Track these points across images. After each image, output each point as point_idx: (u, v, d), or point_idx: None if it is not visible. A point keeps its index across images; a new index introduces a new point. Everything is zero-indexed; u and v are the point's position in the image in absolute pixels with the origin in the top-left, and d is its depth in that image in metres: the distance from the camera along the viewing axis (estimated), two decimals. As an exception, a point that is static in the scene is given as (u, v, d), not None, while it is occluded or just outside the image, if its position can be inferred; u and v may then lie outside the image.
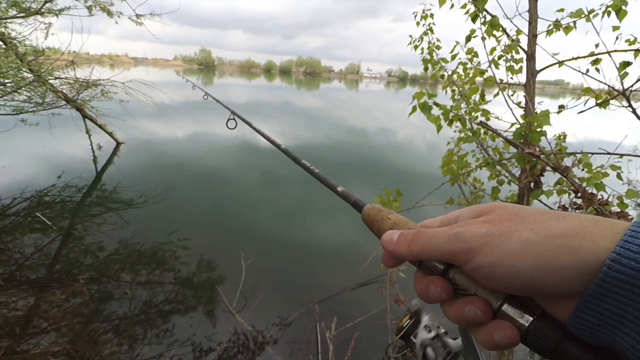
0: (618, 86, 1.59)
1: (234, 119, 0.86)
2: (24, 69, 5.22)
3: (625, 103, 1.55)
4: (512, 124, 1.72)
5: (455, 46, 2.02)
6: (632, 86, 1.52)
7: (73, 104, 6.64)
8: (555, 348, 0.27)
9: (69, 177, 5.94)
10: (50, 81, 6.10)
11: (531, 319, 0.28)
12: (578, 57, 1.80)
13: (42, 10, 5.71)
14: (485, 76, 1.95)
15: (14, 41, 5.33)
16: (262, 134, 0.74)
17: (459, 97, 1.89)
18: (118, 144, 7.91)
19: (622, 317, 0.24)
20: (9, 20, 5.42)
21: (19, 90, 5.75)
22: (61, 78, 6.42)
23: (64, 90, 6.47)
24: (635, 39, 1.70)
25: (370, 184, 6.54)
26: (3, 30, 5.35)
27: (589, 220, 0.27)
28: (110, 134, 7.65)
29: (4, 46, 5.19)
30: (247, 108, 18.98)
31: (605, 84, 1.61)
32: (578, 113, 1.78)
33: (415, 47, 2.20)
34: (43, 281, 3.33)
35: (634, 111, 1.55)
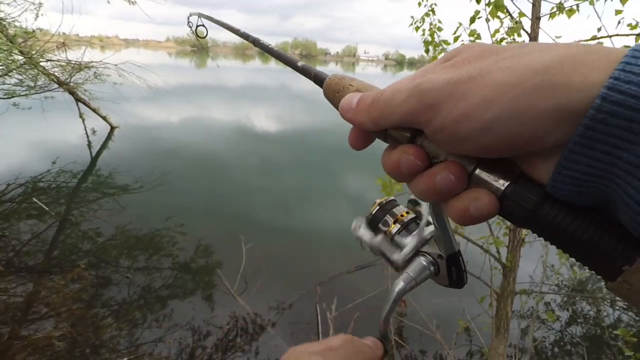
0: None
1: (202, 25, 0.73)
2: (14, 51, 5.07)
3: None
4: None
5: (458, 28, 1.98)
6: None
7: (66, 87, 6.51)
8: (533, 213, 0.23)
9: (64, 162, 5.87)
10: (41, 63, 5.96)
11: (507, 182, 0.24)
12: (580, 41, 1.78)
13: (32, -11, 5.52)
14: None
15: (4, 22, 5.16)
16: (230, 28, 0.63)
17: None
18: (112, 128, 7.80)
19: (616, 163, 0.19)
20: (-3, 1, 5.24)
21: (9, 73, 5.62)
22: (53, 60, 6.28)
23: (55, 73, 6.33)
24: (637, 23, 1.68)
25: (370, 168, 6.54)
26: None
27: (580, 49, 0.20)
28: (104, 118, 7.53)
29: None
30: (244, 93, 18.75)
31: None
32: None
33: (417, 28, 2.16)
34: (42, 267, 3.34)
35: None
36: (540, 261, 2.62)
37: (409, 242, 0.37)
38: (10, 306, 2.83)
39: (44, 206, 4.35)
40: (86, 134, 7.26)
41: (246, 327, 2.82)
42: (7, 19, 5.31)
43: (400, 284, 0.36)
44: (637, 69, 0.18)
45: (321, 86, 0.37)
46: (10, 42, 4.98)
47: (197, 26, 0.77)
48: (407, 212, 0.39)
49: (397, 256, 0.37)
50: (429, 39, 2.20)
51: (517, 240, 1.96)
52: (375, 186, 2.10)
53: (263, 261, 3.59)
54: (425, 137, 0.27)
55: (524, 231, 2.09)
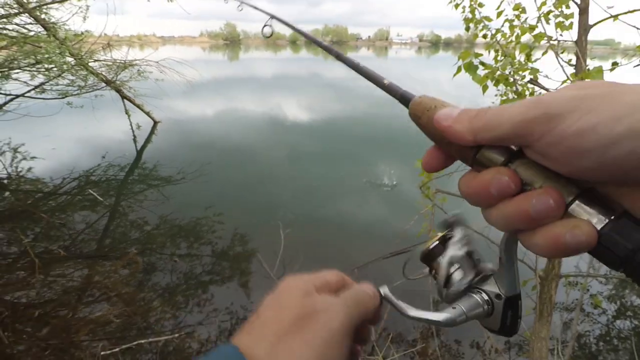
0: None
1: (269, 25, 0.77)
2: (66, 54, 5.43)
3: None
4: (563, 82, 1.60)
5: (501, 2, 1.87)
6: None
7: (112, 86, 6.90)
8: (633, 255, 0.22)
9: (112, 156, 6.27)
10: (90, 64, 6.33)
11: (610, 217, 0.23)
12: (634, 10, 1.62)
13: (78, -8, 5.84)
14: (534, 33, 1.81)
15: (55, 26, 5.52)
16: (303, 33, 0.64)
17: (503, 57, 1.77)
18: (155, 122, 8.19)
19: None
20: (48, 6, 5.60)
21: (62, 75, 6.02)
22: (100, 60, 6.65)
23: (103, 73, 6.71)
24: None
25: (401, 154, 6.41)
26: (44, 16, 5.56)
27: None
28: (147, 114, 7.91)
29: (45, 32, 5.40)
30: (275, 83, 18.92)
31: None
32: (635, 67, 1.63)
33: (456, 5, 2.06)
34: (96, 253, 3.61)
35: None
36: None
37: (464, 278, 0.35)
38: (69, 289, 3.10)
39: (98, 197, 4.68)
40: (132, 129, 7.68)
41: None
42: (57, 22, 5.67)
43: (447, 315, 0.34)
44: None
45: (406, 106, 0.36)
46: (62, 44, 5.32)
47: (264, 26, 0.81)
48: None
49: (448, 292, 0.35)
50: (470, 16, 2.09)
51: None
52: (404, 175, 2.06)
53: (300, 247, 3.67)
54: (520, 163, 0.26)
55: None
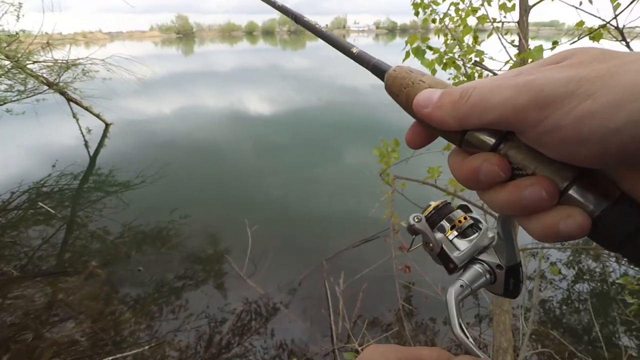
0: (612, 23, 1.53)
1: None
2: (1, 57, 4.98)
3: (619, 39, 1.51)
4: (506, 62, 1.67)
5: (447, -16, 1.92)
6: (621, 13, 1.46)
7: (55, 88, 6.43)
8: (633, 237, 0.22)
9: (64, 164, 5.88)
10: (28, 66, 5.86)
11: (607, 203, 0.23)
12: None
13: (10, -10, 5.36)
14: (477, 15, 1.87)
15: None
16: None
17: (452, 40, 1.82)
18: (107, 125, 7.76)
19: None
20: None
21: (-2, 80, 5.55)
22: (39, 62, 6.17)
23: (44, 75, 6.24)
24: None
25: (367, 141, 6.50)
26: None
27: None
28: (97, 116, 7.47)
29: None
30: (234, 76, 18.42)
31: (599, 17, 1.55)
32: (571, 44, 1.72)
33: (404, -10, 2.08)
34: (56, 269, 3.41)
35: (627, 45, 1.51)
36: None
37: (468, 248, 0.35)
38: (30, 310, 2.91)
39: (50, 210, 4.39)
40: (82, 133, 7.23)
41: (259, 309, 2.90)
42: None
43: (453, 292, 0.35)
44: None
45: (381, 78, 0.34)
46: (-5, 47, 4.88)
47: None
48: (465, 218, 0.37)
49: (455, 259, 0.36)
50: (418, 0, 2.12)
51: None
52: (371, 162, 2.09)
53: (268, 242, 3.65)
54: (511, 146, 0.25)
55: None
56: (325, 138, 7.35)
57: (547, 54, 1.57)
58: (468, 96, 0.25)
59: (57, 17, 6.14)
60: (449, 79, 2.08)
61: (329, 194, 4.89)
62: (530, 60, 1.57)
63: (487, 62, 1.74)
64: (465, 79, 1.85)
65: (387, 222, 2.19)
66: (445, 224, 0.37)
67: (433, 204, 0.38)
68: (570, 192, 0.24)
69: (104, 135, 7.52)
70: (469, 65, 1.83)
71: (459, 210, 0.38)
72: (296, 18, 0.47)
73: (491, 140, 0.26)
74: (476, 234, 0.36)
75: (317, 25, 0.43)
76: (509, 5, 1.90)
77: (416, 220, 0.37)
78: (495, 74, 1.70)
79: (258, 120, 9.04)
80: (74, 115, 7.14)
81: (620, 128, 0.19)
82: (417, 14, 2.17)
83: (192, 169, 5.89)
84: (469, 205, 0.38)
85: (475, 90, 0.25)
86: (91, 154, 6.72)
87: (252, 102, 10.95)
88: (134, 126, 8.44)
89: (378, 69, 0.34)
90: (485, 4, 1.87)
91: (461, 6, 1.95)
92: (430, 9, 2.11)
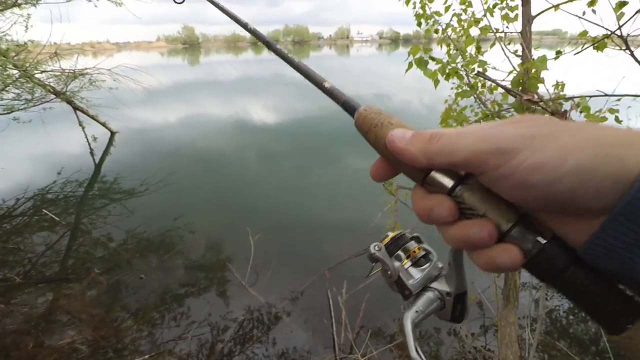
0: (616, 33, 1.53)
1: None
2: (9, 66, 5.06)
3: (623, 48, 1.51)
4: (510, 72, 1.67)
5: (448, -4, 1.94)
6: (626, 23, 1.46)
7: (63, 97, 6.53)
8: (562, 273, 0.26)
9: (69, 172, 5.93)
10: (36, 75, 5.96)
11: (542, 242, 0.27)
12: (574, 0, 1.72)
13: (19, 1, 5.48)
14: (480, 25, 1.88)
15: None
16: (220, 7, 0.60)
17: (455, 51, 1.83)
18: (112, 133, 7.84)
19: None
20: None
21: (6, 89, 5.64)
22: (47, 71, 6.28)
23: (51, 84, 6.34)
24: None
25: (370, 150, 6.50)
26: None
27: (635, 134, 0.24)
28: (103, 124, 7.56)
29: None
30: (239, 85, 18.61)
31: (602, 27, 1.56)
32: (575, 54, 1.73)
33: (407, 1, 2.10)
34: (59, 276, 3.41)
35: (632, 54, 1.51)
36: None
37: (421, 276, 0.39)
38: (32, 317, 2.91)
39: (54, 217, 4.42)
40: (87, 141, 7.30)
41: (261, 317, 2.87)
42: (-4, 34, 5.30)
43: (409, 317, 0.38)
44: None
45: (351, 114, 0.37)
46: (4, 56, 4.96)
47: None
48: (419, 249, 0.41)
49: (411, 286, 0.39)
50: (420, 11, 2.15)
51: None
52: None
53: (271, 251, 3.63)
54: (467, 189, 0.29)
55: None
56: (327, 146, 7.37)
57: (550, 64, 1.58)
58: (438, 138, 0.29)
59: (66, 28, 6.27)
60: (452, 88, 2.09)
61: (331, 203, 4.88)
62: (533, 70, 1.58)
63: (490, 72, 1.74)
64: (469, 89, 1.86)
65: (390, 232, 2.18)
66: (401, 253, 0.40)
67: (391, 234, 0.42)
68: (512, 232, 0.27)
69: (110, 144, 7.59)
70: (471, 75, 1.84)
71: (412, 242, 0.41)
72: (269, 45, 0.50)
73: (450, 183, 0.29)
74: (428, 264, 0.40)
75: (289, 55, 0.46)
76: (512, 15, 1.92)
77: (377, 249, 0.40)
78: (498, 84, 1.71)
79: (261, 129, 9.10)
80: (80, 124, 7.22)
81: (560, 179, 0.24)
82: (419, 24, 2.20)
83: (196, 177, 5.91)
84: (420, 237, 0.42)
85: (444, 135, 0.28)
86: (96, 161, 6.77)
87: (255, 111, 11.04)
88: (139, 135, 8.51)
89: (348, 106, 0.38)
90: (488, 14, 1.89)
91: (463, 17, 1.96)
92: (433, 19, 2.13)
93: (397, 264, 0.40)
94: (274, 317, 2.88)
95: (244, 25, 0.58)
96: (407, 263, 0.40)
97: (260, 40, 0.54)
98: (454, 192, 0.29)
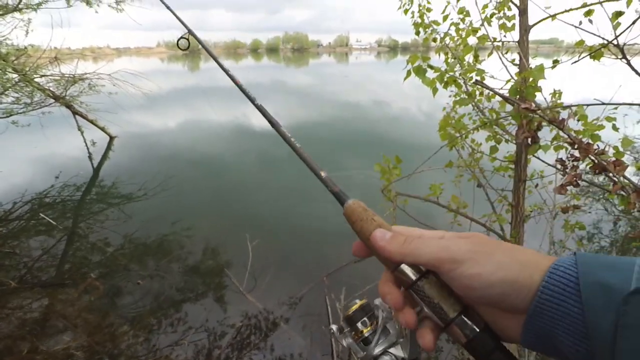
0: (613, 42, 1.56)
1: (186, 38, 0.79)
2: (8, 70, 5.08)
3: (620, 57, 1.53)
4: (507, 81, 1.69)
5: (446, 6, 1.96)
6: (622, 33, 1.49)
7: (62, 101, 6.54)
8: (488, 355, 0.35)
9: (67, 176, 5.92)
10: (36, 79, 5.98)
11: (477, 330, 0.35)
12: (571, 9, 1.75)
13: (20, 6, 5.51)
14: (478, 35, 1.91)
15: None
16: (225, 71, 0.69)
17: (453, 59, 1.86)
18: (111, 138, 7.84)
19: (556, 327, 0.32)
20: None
21: (5, 92, 5.64)
22: (47, 75, 6.29)
23: (51, 88, 6.35)
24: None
25: (368, 157, 6.52)
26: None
27: (540, 256, 0.35)
28: (102, 129, 7.56)
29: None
30: (239, 92, 18.64)
31: (599, 36, 1.58)
32: (572, 63, 1.75)
33: (406, 11, 2.13)
34: (55, 281, 3.38)
35: (628, 63, 1.53)
36: (547, 236, 2.62)
37: (382, 342, 0.46)
38: (27, 321, 2.88)
39: (51, 221, 4.40)
40: (86, 146, 7.30)
41: (259, 324, 2.86)
42: (-4, 38, 5.32)
43: None
44: (554, 281, 0.32)
45: (340, 203, 0.46)
46: (4, 60, 4.98)
47: (180, 38, 0.85)
48: (382, 318, 0.48)
49: (369, 352, 0.46)
50: (419, 20, 2.17)
51: (520, 216, 1.96)
52: (373, 175, 2.10)
53: (269, 257, 3.62)
54: (427, 282, 0.38)
55: (527, 207, 2.09)
56: (327, 152, 7.38)
57: (547, 72, 1.60)
58: (410, 242, 0.39)
59: (66, 33, 6.30)
60: (450, 96, 2.11)
61: (330, 209, 4.87)
62: (531, 79, 1.60)
63: (488, 81, 1.76)
64: (467, 97, 1.88)
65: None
66: (366, 320, 0.48)
67: (358, 303, 0.50)
68: (457, 320, 0.36)
69: (108, 148, 7.59)
70: (469, 84, 1.86)
71: (374, 311, 0.49)
72: (272, 124, 0.61)
73: (414, 276, 0.38)
74: (388, 332, 0.47)
75: (292, 139, 0.55)
76: (509, 25, 1.94)
77: (335, 329, 0.50)
78: (496, 93, 1.72)
79: (261, 134, 9.11)
80: (79, 128, 7.23)
81: (493, 285, 0.34)
82: (417, 33, 2.22)
83: (194, 182, 5.90)
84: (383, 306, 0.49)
85: (415, 240, 0.39)
86: (95, 166, 6.76)
87: (255, 117, 11.05)
88: (138, 139, 8.52)
89: (339, 197, 0.47)
90: (486, 24, 1.91)
91: (461, 26, 1.99)
92: (431, 28, 2.16)
93: (361, 327, 0.48)
94: (271, 323, 2.86)
95: (252, 100, 0.70)
96: (369, 330, 0.47)
97: (267, 119, 0.64)
98: (416, 284, 0.38)
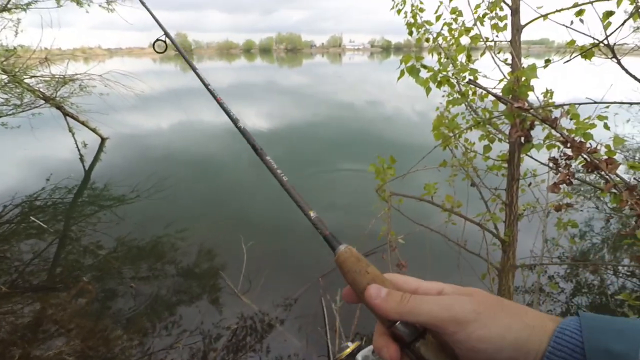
0: (604, 42, 1.57)
1: (163, 41, 0.78)
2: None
3: (610, 56, 1.54)
4: (500, 80, 1.70)
5: (439, 6, 1.97)
6: (613, 33, 1.50)
7: (52, 102, 6.45)
8: None
9: (58, 178, 5.85)
10: (25, 80, 5.89)
11: None
12: (562, 9, 1.76)
13: (9, 6, 5.43)
14: (470, 34, 1.92)
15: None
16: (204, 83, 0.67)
17: (446, 59, 1.86)
18: (103, 139, 7.76)
19: None
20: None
21: (-7, 94, 5.56)
22: (37, 76, 6.21)
23: (41, 89, 6.26)
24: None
25: (362, 156, 6.53)
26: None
27: (545, 317, 0.35)
28: (93, 130, 7.48)
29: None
30: (231, 91, 18.59)
31: (590, 36, 1.60)
32: (564, 63, 1.76)
33: (399, 11, 2.13)
34: (47, 285, 3.34)
35: (618, 62, 1.54)
36: (540, 234, 2.64)
37: None
38: (18, 327, 2.83)
39: (42, 224, 4.34)
40: (77, 147, 7.22)
41: (254, 325, 2.84)
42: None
43: None
44: (560, 346, 0.32)
45: (332, 248, 0.43)
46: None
47: (156, 40, 0.84)
48: None
49: None
50: (412, 20, 2.17)
51: (513, 215, 1.97)
52: (368, 176, 2.10)
53: (264, 258, 3.60)
54: (423, 344, 0.35)
55: (521, 205, 2.10)
56: (321, 153, 7.38)
57: (539, 72, 1.61)
58: (406, 300, 0.36)
59: (57, 33, 6.22)
60: (443, 96, 2.12)
61: (325, 209, 4.87)
62: (523, 78, 1.61)
63: (480, 80, 1.77)
64: (460, 97, 1.88)
65: (385, 238, 2.18)
66: None
67: (350, 346, 0.51)
68: None
69: (100, 150, 7.51)
70: (462, 83, 1.87)
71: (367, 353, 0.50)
72: (256, 149, 0.57)
73: (409, 338, 0.36)
74: None
75: (278, 170, 0.53)
76: (501, 25, 1.95)
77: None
78: (489, 92, 1.73)
79: (255, 135, 8.95)
80: (70, 130, 7.14)
81: (502, 349, 0.32)
82: (410, 33, 2.22)
83: (188, 184, 5.86)
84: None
85: (412, 298, 0.36)
86: (86, 168, 6.69)
87: (249, 118, 11.02)
88: (131, 141, 8.44)
89: (330, 241, 0.44)
90: (478, 24, 1.92)
91: (454, 26, 2.00)
92: (424, 28, 2.16)
93: None
94: (267, 325, 2.85)
95: (235, 122, 0.66)
96: None
97: (251, 146, 0.60)
98: (412, 345, 0.36)
